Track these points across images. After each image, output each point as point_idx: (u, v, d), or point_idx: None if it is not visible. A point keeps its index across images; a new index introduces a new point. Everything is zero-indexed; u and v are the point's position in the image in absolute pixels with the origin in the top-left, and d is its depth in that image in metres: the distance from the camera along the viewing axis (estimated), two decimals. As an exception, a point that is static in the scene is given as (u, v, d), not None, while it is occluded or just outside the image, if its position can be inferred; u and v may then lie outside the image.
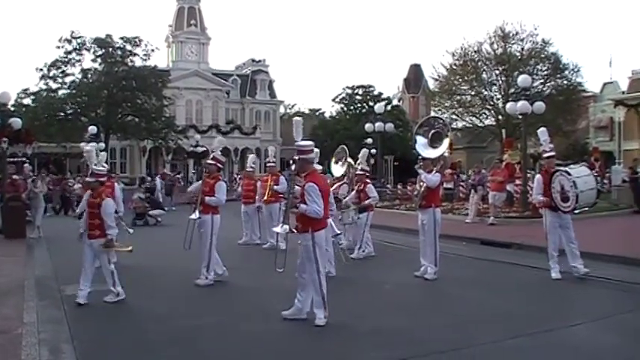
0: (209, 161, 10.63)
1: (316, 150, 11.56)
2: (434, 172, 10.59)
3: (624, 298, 8.99)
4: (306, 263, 7.52)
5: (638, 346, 6.77)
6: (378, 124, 30.76)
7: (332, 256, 10.50)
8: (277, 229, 7.52)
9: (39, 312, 8.13)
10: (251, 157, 18.20)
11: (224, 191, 10.40)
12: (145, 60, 46.51)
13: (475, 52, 42.07)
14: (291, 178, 7.71)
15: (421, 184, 10.72)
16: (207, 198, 10.15)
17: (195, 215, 10.21)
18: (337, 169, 13.49)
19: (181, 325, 7.56)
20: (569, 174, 9.93)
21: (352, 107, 63.58)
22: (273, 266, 7.87)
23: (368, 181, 13.29)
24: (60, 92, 45.12)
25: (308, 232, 7.45)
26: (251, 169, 16.48)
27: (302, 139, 7.84)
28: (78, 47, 44.83)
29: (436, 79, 45.61)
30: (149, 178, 34.48)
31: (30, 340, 6.74)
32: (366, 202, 12.73)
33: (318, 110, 76.72)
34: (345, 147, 12.15)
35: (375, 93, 63.01)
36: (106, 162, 11.38)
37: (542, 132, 10.72)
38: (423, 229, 10.64)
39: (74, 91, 44.74)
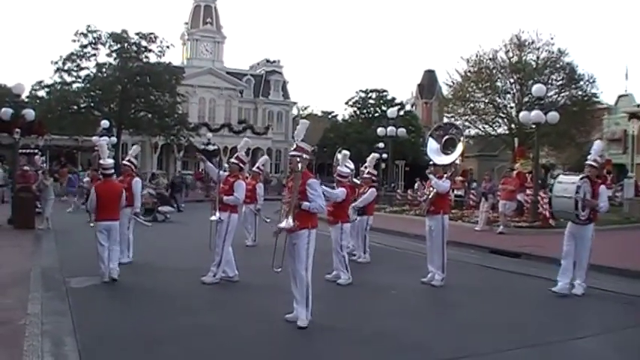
0: (233, 160, 10.63)
1: (346, 152, 11.66)
2: (444, 178, 10.53)
3: (630, 313, 8.92)
4: (295, 262, 7.48)
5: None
6: (390, 129, 30.68)
7: (343, 261, 10.49)
8: (283, 225, 7.45)
9: (43, 303, 8.14)
10: (263, 158, 18.26)
11: (243, 190, 10.47)
12: (160, 56, 46.61)
13: (490, 59, 41.86)
14: (296, 177, 7.64)
15: (430, 189, 10.66)
16: (225, 197, 10.15)
17: (215, 217, 10.18)
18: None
19: (184, 323, 7.54)
20: (556, 177, 9.95)
21: (365, 111, 63.50)
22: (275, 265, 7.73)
23: (373, 185, 13.22)
24: (74, 86, 45.27)
25: (306, 229, 7.46)
26: (257, 170, 16.34)
27: (303, 141, 7.83)
28: (94, 41, 44.97)
29: (450, 86, 45.41)
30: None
31: (33, 331, 6.75)
32: (354, 204, 12.30)
33: (330, 113, 76.72)
34: (348, 152, 12.10)
35: (389, 97, 62.95)
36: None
37: (597, 143, 10.56)
38: (431, 235, 10.60)
39: (88, 85, 44.89)
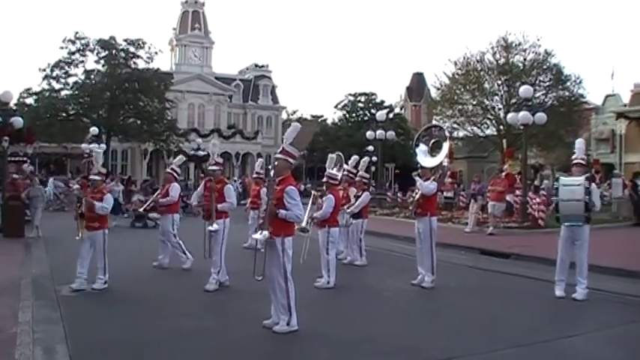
0: (214, 167, 10.57)
1: (332, 156, 11.66)
2: (431, 179, 10.58)
3: (621, 311, 8.98)
4: (273, 269, 7.33)
5: (633, 358, 6.78)
6: (380, 132, 30.82)
7: (332, 264, 10.49)
8: (257, 236, 7.40)
9: (34, 311, 8.12)
10: (259, 161, 18.34)
11: (233, 194, 10.55)
12: (148, 62, 46.68)
13: (477, 61, 42.01)
14: (270, 184, 7.59)
15: (417, 191, 10.72)
16: (219, 205, 10.16)
17: (214, 227, 10.16)
18: None
19: (175, 327, 7.54)
20: (557, 180, 9.72)
21: (354, 114, 63.65)
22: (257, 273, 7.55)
23: (366, 188, 13.35)
24: (62, 93, 45.21)
25: (279, 237, 7.28)
26: (257, 175, 16.52)
27: (292, 145, 7.62)
28: (81, 48, 44.94)
29: (438, 88, 45.53)
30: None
31: (24, 339, 6.74)
32: (349, 209, 12.58)
33: (320, 117, 76.81)
34: (341, 154, 12.20)
35: (378, 101, 63.14)
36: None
37: (580, 141, 10.38)
38: (420, 238, 10.63)
39: (77, 92, 44.81)
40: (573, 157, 10.09)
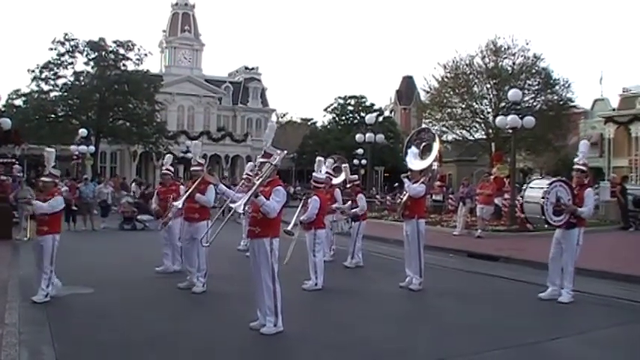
0: (195, 168, 10.53)
1: (321, 158, 11.71)
2: (420, 182, 10.60)
3: (607, 313, 9.02)
4: (261, 270, 7.37)
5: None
6: (369, 135, 30.80)
7: (320, 265, 10.49)
8: (234, 205, 7.37)
9: (21, 313, 8.08)
10: (249, 164, 18.32)
11: (213, 194, 10.45)
12: (138, 64, 46.48)
13: (467, 65, 42.26)
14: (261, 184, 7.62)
15: (405, 193, 10.75)
16: (197, 195, 10.12)
17: (178, 203, 10.20)
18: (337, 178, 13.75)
19: (161, 329, 7.55)
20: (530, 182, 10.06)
21: (344, 117, 63.77)
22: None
23: (359, 189, 13.47)
24: (51, 94, 44.93)
25: (267, 237, 7.35)
26: (246, 175, 16.47)
27: (272, 146, 7.74)
28: (71, 50, 44.71)
29: (428, 92, 45.78)
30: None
31: (10, 340, 6.70)
32: (352, 211, 12.94)
33: (309, 120, 76.86)
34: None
35: (367, 104, 63.29)
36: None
37: (584, 144, 10.13)
38: (408, 240, 10.65)
39: (66, 94, 44.57)
40: (575, 160, 9.96)
